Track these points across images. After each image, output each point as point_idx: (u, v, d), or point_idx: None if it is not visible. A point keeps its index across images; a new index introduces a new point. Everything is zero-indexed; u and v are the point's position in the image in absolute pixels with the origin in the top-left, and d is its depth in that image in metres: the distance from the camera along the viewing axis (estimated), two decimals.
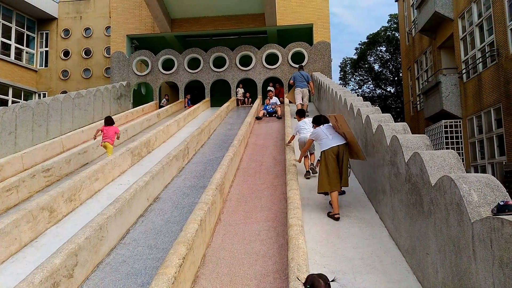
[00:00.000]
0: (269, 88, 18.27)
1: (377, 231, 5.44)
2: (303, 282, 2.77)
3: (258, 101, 17.41)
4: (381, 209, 5.85)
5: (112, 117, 10.54)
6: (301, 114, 9.29)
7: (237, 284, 4.45)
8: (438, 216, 3.69)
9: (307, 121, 8.52)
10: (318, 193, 6.46)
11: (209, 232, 5.53)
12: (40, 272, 4.24)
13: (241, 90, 19.81)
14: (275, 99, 15.60)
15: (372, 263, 4.57)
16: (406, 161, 4.64)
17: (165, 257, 4.34)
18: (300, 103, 13.95)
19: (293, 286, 3.74)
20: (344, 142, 6.34)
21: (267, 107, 15.37)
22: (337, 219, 5.88)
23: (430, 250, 3.87)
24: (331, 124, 6.71)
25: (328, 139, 6.42)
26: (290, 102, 16.55)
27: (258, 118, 14.45)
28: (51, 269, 4.32)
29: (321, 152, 6.44)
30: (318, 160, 6.84)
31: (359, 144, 6.56)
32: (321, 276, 2.71)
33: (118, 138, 10.19)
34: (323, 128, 6.68)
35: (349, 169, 6.45)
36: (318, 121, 6.94)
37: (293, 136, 9.11)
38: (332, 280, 2.74)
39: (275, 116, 14.93)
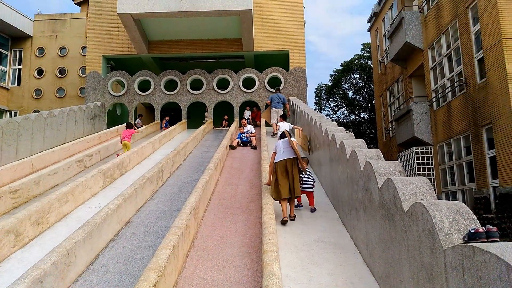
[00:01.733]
0: (244, 113, 18.42)
1: (351, 257, 5.44)
2: None
3: (235, 124, 17.44)
4: (355, 234, 5.87)
5: (132, 123, 14.25)
6: (284, 118, 13.03)
7: None
8: (411, 242, 3.72)
9: (287, 124, 12.18)
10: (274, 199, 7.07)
11: (182, 258, 5.41)
12: None
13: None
14: (249, 127, 14.56)
15: None
16: (379, 187, 4.69)
17: (135, 284, 4.20)
18: (275, 123, 15.12)
19: None
20: (293, 156, 7.15)
21: (241, 136, 14.27)
22: (284, 222, 6.65)
23: (403, 277, 3.88)
24: (287, 139, 7.41)
25: (279, 152, 7.26)
26: (266, 122, 16.81)
27: (231, 148, 13.29)
28: None
29: (274, 164, 7.28)
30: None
31: (302, 158, 7.54)
32: None
33: (138, 132, 14.17)
34: (280, 142, 7.47)
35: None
36: (280, 136, 7.76)
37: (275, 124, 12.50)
38: None
39: (249, 145, 13.84)
